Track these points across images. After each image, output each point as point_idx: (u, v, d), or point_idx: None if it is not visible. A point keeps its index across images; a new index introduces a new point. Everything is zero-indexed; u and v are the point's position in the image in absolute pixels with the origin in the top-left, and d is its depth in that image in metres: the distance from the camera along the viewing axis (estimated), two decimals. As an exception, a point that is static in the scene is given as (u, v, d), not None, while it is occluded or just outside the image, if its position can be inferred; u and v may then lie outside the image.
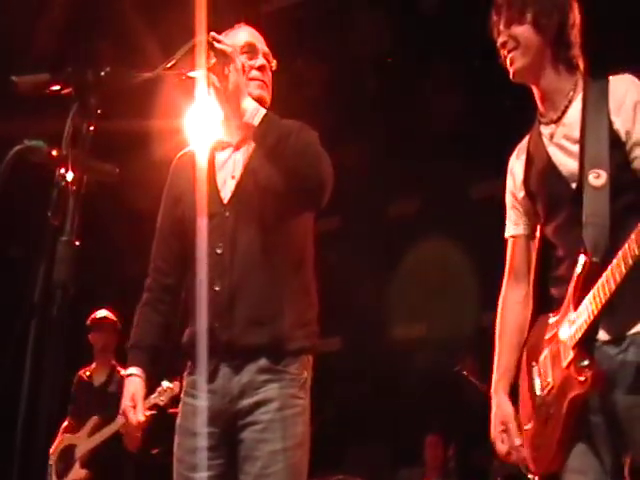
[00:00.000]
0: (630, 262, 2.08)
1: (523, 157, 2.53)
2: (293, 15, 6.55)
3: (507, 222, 2.62)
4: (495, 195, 7.88)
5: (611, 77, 2.38)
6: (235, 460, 2.49)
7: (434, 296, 7.56)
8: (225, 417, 2.49)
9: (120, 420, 4.68)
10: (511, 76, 2.46)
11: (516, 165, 2.57)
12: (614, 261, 2.13)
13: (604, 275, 2.16)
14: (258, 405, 2.47)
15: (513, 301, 2.61)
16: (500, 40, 2.45)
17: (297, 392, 2.54)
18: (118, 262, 7.33)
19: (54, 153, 1.61)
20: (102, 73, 1.71)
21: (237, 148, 2.72)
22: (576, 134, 2.35)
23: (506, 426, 2.45)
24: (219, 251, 2.55)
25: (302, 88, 6.38)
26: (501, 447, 2.47)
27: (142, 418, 2.59)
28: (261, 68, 2.73)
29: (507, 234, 2.62)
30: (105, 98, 1.76)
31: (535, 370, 2.42)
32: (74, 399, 5.43)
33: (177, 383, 4.54)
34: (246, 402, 2.47)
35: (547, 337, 2.39)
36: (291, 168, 2.51)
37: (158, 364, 2.73)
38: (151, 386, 2.88)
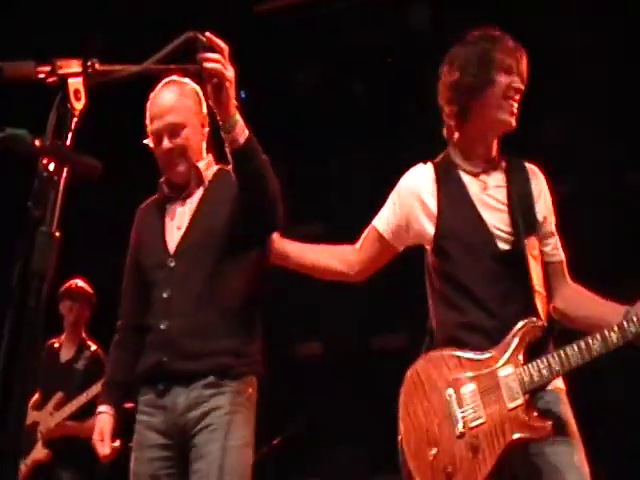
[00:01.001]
0: (612, 348, 2.40)
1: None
2: (287, 15, 6.56)
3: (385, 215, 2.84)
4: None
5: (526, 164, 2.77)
6: (187, 469, 2.76)
7: (417, 304, 7.54)
8: (177, 429, 2.77)
9: (83, 398, 4.78)
10: (514, 123, 2.68)
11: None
12: (597, 338, 2.42)
13: (578, 345, 2.45)
14: (207, 413, 2.75)
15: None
16: (516, 85, 2.64)
17: (243, 402, 2.82)
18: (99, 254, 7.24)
19: (37, 143, 1.59)
20: (89, 64, 1.69)
21: (184, 200, 2.97)
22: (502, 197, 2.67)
23: None
24: (165, 295, 2.84)
25: (292, 89, 6.41)
26: None
27: (108, 451, 2.88)
28: (167, 154, 2.94)
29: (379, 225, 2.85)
30: (91, 89, 1.74)
31: (453, 400, 2.58)
32: (41, 371, 5.10)
33: None
34: (195, 413, 2.75)
35: (469, 374, 2.57)
36: (261, 191, 2.78)
37: (129, 396, 3.03)
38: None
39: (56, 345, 5.28)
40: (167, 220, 2.97)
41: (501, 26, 2.73)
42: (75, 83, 1.67)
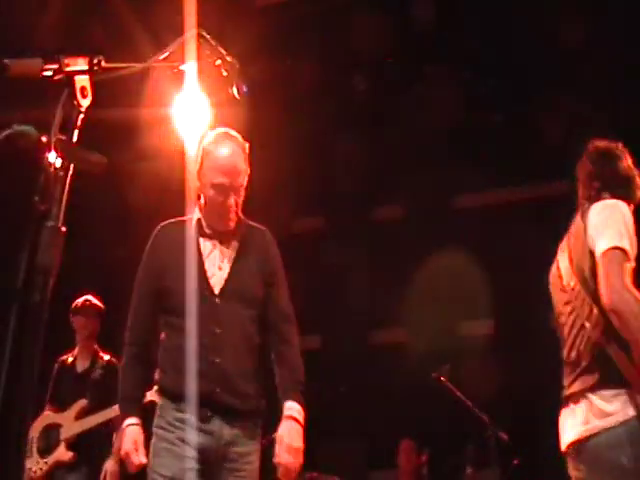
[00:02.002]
0: None
1: None
2: (288, 11, 6.57)
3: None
4: (478, 206, 7.98)
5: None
6: None
7: (416, 302, 7.60)
8: (215, 455, 2.99)
9: (112, 411, 4.90)
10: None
11: None
12: None
13: None
14: (243, 455, 3.02)
15: None
16: None
17: (259, 447, 3.15)
18: (104, 248, 7.29)
19: (43, 139, 1.61)
20: (94, 61, 1.70)
21: (222, 241, 3.15)
22: None
23: None
24: (218, 331, 3.03)
25: (291, 86, 6.41)
26: None
27: (144, 460, 3.03)
28: (230, 208, 3.12)
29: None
30: (96, 86, 1.76)
31: None
32: (55, 385, 5.38)
33: None
34: (236, 449, 3.01)
35: None
36: None
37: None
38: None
39: (70, 359, 5.49)
40: (204, 255, 3.13)
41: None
42: (82, 80, 1.68)
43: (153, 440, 3.06)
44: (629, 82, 6.82)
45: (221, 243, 3.16)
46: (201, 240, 3.14)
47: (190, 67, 2.69)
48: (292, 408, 3.07)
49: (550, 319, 7.66)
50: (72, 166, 1.62)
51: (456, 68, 7.07)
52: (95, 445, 5.20)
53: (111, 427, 5.04)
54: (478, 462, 5.55)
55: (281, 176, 6.39)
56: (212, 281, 3.09)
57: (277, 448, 2.99)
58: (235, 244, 3.17)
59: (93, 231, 6.60)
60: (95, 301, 5.56)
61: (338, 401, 6.30)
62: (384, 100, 7.18)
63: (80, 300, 5.52)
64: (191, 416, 2.99)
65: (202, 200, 3.16)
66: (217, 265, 3.12)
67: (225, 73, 2.69)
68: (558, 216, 7.26)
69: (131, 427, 3.06)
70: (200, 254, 3.12)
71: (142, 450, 3.04)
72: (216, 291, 3.08)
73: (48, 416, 5.27)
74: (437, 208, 7.90)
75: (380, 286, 7.77)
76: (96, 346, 5.51)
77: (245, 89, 3.57)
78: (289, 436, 3.01)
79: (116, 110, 4.57)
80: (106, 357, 5.44)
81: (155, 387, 4.68)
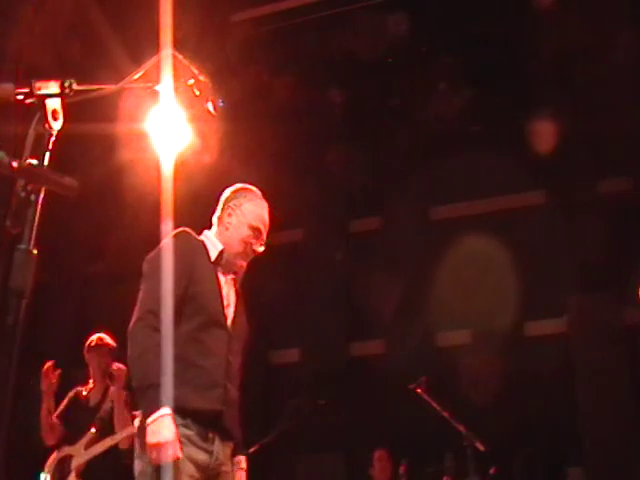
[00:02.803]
0: None
1: None
2: (262, 26, 6.60)
3: None
4: (455, 217, 8.06)
5: None
6: None
7: (394, 314, 7.65)
8: (207, 472, 3.10)
9: (118, 436, 5.13)
10: None
11: None
12: None
13: None
14: (228, 473, 3.19)
15: None
16: None
17: None
18: (80, 263, 7.29)
19: (14, 164, 1.62)
20: (66, 85, 1.72)
21: (227, 279, 3.31)
22: None
23: None
24: (230, 359, 3.20)
25: (267, 100, 6.43)
26: None
27: (180, 455, 3.01)
28: (254, 252, 3.33)
29: None
30: (69, 107, 1.78)
31: None
32: (67, 417, 5.49)
33: None
34: (224, 468, 3.16)
35: None
36: None
37: None
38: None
39: (84, 392, 5.63)
40: (221, 285, 3.28)
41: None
42: (53, 103, 1.70)
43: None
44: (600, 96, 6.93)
45: (227, 282, 3.32)
46: (217, 271, 3.28)
47: (165, 87, 2.72)
48: (244, 461, 3.35)
49: (526, 327, 7.77)
50: (43, 190, 1.64)
51: (432, 80, 7.13)
52: (104, 472, 5.29)
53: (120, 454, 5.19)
54: (456, 472, 5.57)
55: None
56: (226, 311, 3.25)
57: None
58: (234, 288, 3.36)
59: (69, 247, 6.60)
60: (108, 339, 5.68)
61: (317, 414, 6.31)
62: (361, 114, 7.23)
63: (94, 338, 5.67)
64: (197, 434, 3.08)
65: (228, 235, 3.32)
66: (228, 299, 3.29)
67: (198, 92, 2.72)
68: (533, 227, 7.43)
69: (167, 417, 2.97)
70: (219, 282, 3.26)
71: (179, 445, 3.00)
72: (228, 323, 3.25)
73: (62, 450, 5.40)
74: (415, 219, 7.96)
75: (358, 298, 7.81)
76: (108, 381, 5.56)
77: (221, 103, 3.61)
78: None
79: (92, 125, 4.58)
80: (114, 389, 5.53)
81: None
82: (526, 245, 7.45)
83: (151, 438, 2.94)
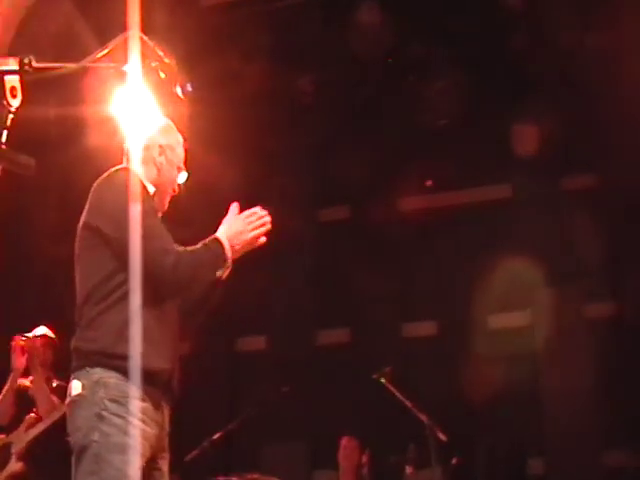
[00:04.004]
0: None
1: None
2: (234, 10, 6.56)
3: None
4: (423, 208, 8.08)
5: None
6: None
7: (361, 303, 7.67)
8: (157, 447, 2.81)
9: (54, 415, 5.05)
10: None
11: None
12: None
13: None
14: (167, 437, 2.90)
15: None
16: None
17: None
18: (44, 248, 7.22)
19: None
20: (25, 61, 1.69)
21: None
22: None
23: None
24: (177, 310, 2.96)
25: (238, 86, 6.39)
26: None
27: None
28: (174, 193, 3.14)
29: None
30: (30, 86, 1.74)
31: None
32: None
33: None
34: (167, 437, 2.89)
35: None
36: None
37: None
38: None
39: (26, 383, 5.57)
40: None
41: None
42: (12, 80, 1.66)
43: (107, 428, 2.67)
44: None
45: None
46: None
47: (132, 67, 2.68)
48: None
49: (490, 320, 7.83)
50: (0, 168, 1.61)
51: (403, 72, 7.14)
52: (45, 452, 5.24)
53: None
54: (418, 462, 5.60)
55: (226, 175, 6.38)
56: None
57: None
58: None
59: (35, 231, 6.53)
60: (48, 333, 5.65)
61: (281, 401, 6.30)
62: (331, 102, 7.22)
63: (34, 333, 5.60)
64: (151, 406, 2.77)
65: (160, 175, 3.08)
66: None
67: (163, 75, 2.69)
68: (502, 219, 7.48)
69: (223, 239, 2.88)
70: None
71: None
72: None
73: (2, 439, 5.36)
74: (382, 209, 7.97)
75: (326, 287, 7.81)
76: (50, 374, 5.58)
77: (189, 88, 3.58)
78: None
79: (58, 109, 4.52)
80: (55, 383, 5.53)
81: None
82: (492, 238, 7.50)
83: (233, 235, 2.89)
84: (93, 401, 2.70)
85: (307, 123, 7.23)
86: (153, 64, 2.72)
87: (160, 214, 3.05)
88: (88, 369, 2.74)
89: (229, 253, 2.85)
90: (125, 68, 2.62)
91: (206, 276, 2.88)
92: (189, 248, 2.88)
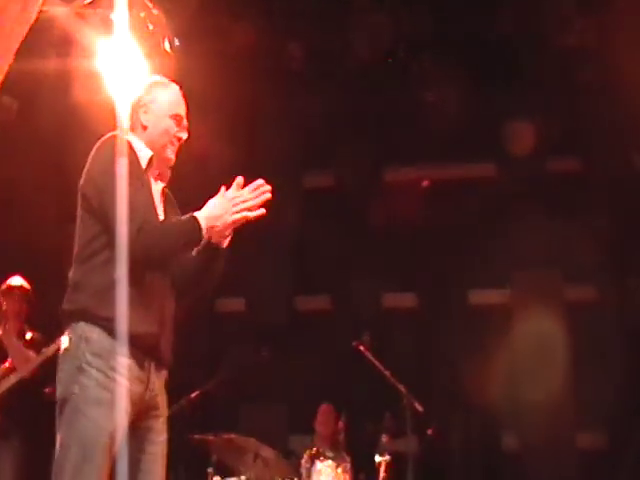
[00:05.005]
0: None
1: None
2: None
3: None
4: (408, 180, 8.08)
5: None
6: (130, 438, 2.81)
7: (342, 272, 7.71)
8: (143, 404, 2.85)
9: (27, 367, 5.15)
10: None
11: None
12: None
13: None
14: (163, 403, 2.95)
15: None
16: None
17: None
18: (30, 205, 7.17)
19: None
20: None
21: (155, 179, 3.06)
22: None
23: None
24: (164, 274, 2.95)
25: (226, 43, 6.37)
26: None
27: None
28: (179, 139, 3.10)
29: None
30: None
31: None
32: None
33: None
34: (159, 398, 2.93)
35: None
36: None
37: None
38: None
39: None
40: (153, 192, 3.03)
41: None
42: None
43: (86, 381, 2.74)
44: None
45: (157, 189, 3.07)
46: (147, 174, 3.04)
47: (119, 15, 2.67)
48: None
49: (470, 296, 7.90)
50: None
51: (392, 44, 7.13)
52: (26, 410, 5.28)
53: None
54: (394, 431, 5.65)
55: (212, 134, 6.34)
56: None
57: None
58: (162, 195, 3.09)
59: (17, 186, 6.50)
60: (24, 284, 5.63)
61: (260, 364, 6.34)
62: (319, 70, 7.20)
63: (8, 283, 5.60)
64: (135, 363, 2.81)
65: (149, 133, 3.05)
66: (159, 204, 3.04)
67: (151, 27, 2.68)
68: (485, 196, 7.51)
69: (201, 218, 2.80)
70: (150, 185, 3.01)
71: None
72: None
73: None
74: (368, 179, 7.99)
75: (307, 253, 7.83)
76: (24, 326, 5.60)
77: (177, 42, 3.57)
78: None
79: (44, 62, 4.48)
80: (29, 335, 5.55)
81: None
82: (475, 215, 7.55)
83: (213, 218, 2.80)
84: (75, 355, 2.78)
85: (294, 88, 7.21)
86: (141, 14, 2.71)
87: (160, 177, 3.08)
88: (73, 325, 2.83)
89: (204, 232, 2.81)
90: (112, 16, 2.61)
91: (173, 248, 2.89)
92: (165, 221, 2.94)
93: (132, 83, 3.44)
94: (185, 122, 3.11)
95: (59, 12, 1.99)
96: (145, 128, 3.06)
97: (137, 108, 3.10)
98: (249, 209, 2.82)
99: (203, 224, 2.79)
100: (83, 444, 2.70)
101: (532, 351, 7.22)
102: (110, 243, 2.80)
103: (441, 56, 6.97)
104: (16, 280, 5.62)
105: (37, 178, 6.46)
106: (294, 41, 6.99)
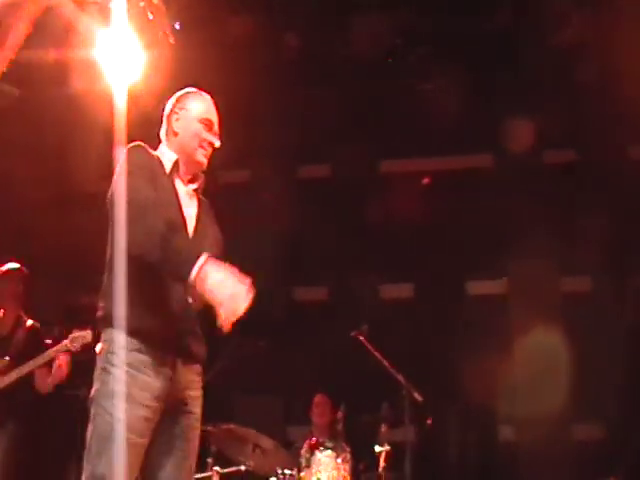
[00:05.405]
0: None
1: None
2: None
3: None
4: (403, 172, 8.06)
5: None
6: (158, 433, 2.91)
7: (337, 263, 7.72)
8: (172, 400, 2.92)
9: (31, 364, 5.10)
10: None
11: None
12: None
13: None
14: (195, 399, 3.03)
15: None
16: None
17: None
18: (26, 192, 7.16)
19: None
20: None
21: (188, 189, 3.14)
22: None
23: None
24: None
25: (224, 33, 6.36)
26: None
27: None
28: (211, 144, 3.17)
29: None
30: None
31: None
32: None
33: (89, 331, 4.95)
34: (190, 393, 3.00)
35: None
36: None
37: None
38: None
39: None
40: (179, 195, 3.09)
41: None
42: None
43: (106, 378, 2.86)
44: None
45: (187, 193, 3.15)
46: (176, 180, 3.12)
47: (118, 4, 2.67)
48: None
49: (467, 286, 7.90)
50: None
51: (386, 35, 7.13)
52: (20, 400, 5.25)
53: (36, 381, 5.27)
54: (393, 421, 5.67)
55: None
56: (188, 224, 3.07)
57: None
58: (196, 199, 3.18)
59: (15, 173, 6.49)
60: (19, 266, 5.59)
61: (257, 355, 6.35)
62: (315, 61, 7.19)
63: (4, 267, 5.56)
64: (154, 359, 2.88)
65: (180, 138, 3.15)
66: (188, 211, 3.10)
67: (151, 16, 2.68)
68: (480, 189, 7.53)
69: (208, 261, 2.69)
70: (176, 192, 3.09)
71: None
72: (190, 233, 3.06)
73: None
74: (363, 170, 8.01)
75: (304, 244, 7.84)
76: (21, 312, 5.57)
77: (177, 26, 3.57)
78: None
79: (43, 52, 4.48)
80: (29, 322, 5.51)
81: (71, 335, 4.95)
82: (472, 207, 7.56)
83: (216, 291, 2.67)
84: (102, 357, 2.93)
85: (290, 78, 7.21)
86: (141, 4, 2.71)
87: (191, 180, 3.15)
88: (104, 331, 2.95)
89: (193, 276, 2.67)
90: (110, 5, 2.61)
91: (159, 259, 2.77)
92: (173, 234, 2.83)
93: (130, 73, 3.44)
94: (216, 128, 3.20)
95: (58, 1, 1.98)
96: (176, 134, 3.17)
97: (169, 118, 3.21)
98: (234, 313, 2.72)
99: (203, 268, 2.67)
100: (100, 436, 2.82)
101: (529, 343, 7.24)
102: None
103: (438, 49, 6.97)
104: (13, 264, 5.59)
105: (35, 167, 6.45)
106: (291, 32, 6.99)
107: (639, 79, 6.04)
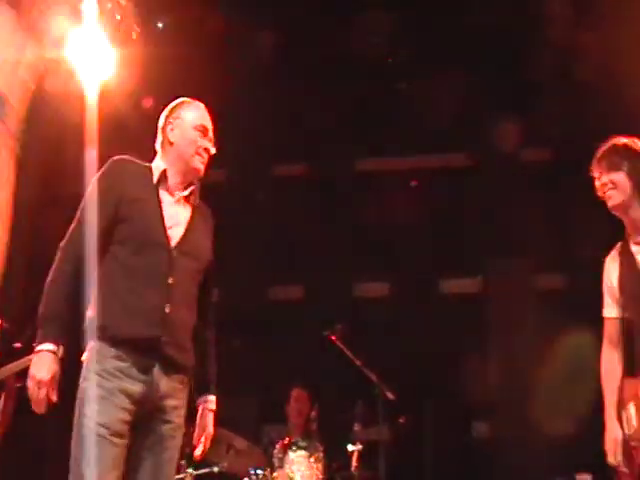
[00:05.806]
0: None
1: (617, 264, 3.47)
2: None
3: (605, 305, 3.55)
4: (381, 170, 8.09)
5: None
6: (136, 438, 2.98)
7: (312, 262, 7.72)
8: (149, 406, 2.97)
9: (12, 366, 4.82)
10: (610, 209, 3.38)
11: (611, 267, 3.53)
12: None
13: None
14: (176, 408, 3.05)
15: (611, 362, 3.53)
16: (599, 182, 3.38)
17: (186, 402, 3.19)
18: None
19: None
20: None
21: (179, 199, 3.18)
22: None
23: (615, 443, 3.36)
24: (170, 281, 3.03)
25: (198, 32, 6.34)
26: (611, 459, 3.38)
27: (55, 399, 2.89)
28: (207, 151, 3.21)
29: (606, 314, 3.55)
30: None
31: (623, 414, 3.35)
32: None
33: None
34: (170, 402, 3.03)
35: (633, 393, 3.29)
36: None
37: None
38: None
39: None
40: (163, 206, 3.13)
41: None
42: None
43: (86, 385, 2.93)
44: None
45: (178, 201, 3.19)
46: (161, 191, 3.15)
47: (89, 5, 2.65)
48: (214, 401, 3.32)
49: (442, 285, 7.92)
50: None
51: (367, 33, 7.13)
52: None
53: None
54: (366, 419, 5.68)
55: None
56: (170, 233, 3.10)
57: (198, 434, 3.24)
58: (189, 208, 3.22)
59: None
60: None
61: (231, 354, 6.33)
62: (293, 60, 7.19)
63: None
64: (132, 365, 2.95)
65: (175, 147, 3.20)
66: (175, 219, 3.13)
67: (118, 17, 2.67)
68: (455, 188, 7.56)
69: (47, 354, 2.88)
70: (159, 202, 3.12)
71: (56, 386, 2.90)
72: (173, 243, 3.09)
73: None
74: (340, 168, 8.01)
75: (279, 243, 7.83)
76: None
77: (160, 25, 3.57)
78: (210, 427, 3.26)
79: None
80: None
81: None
82: (446, 205, 7.58)
83: (32, 369, 2.89)
84: (85, 367, 3.00)
85: (267, 77, 7.20)
86: (108, 5, 2.70)
87: (182, 189, 3.19)
88: (88, 341, 3.02)
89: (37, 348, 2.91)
90: (81, 6, 2.59)
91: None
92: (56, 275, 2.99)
93: (102, 72, 3.42)
94: (211, 134, 3.24)
95: (29, 1, 1.96)
96: (172, 144, 3.21)
97: (164, 129, 3.24)
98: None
99: (41, 352, 2.88)
100: (80, 438, 2.88)
101: (503, 340, 7.28)
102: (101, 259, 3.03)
103: (423, 47, 6.99)
104: None
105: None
106: (266, 30, 6.98)
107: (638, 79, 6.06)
